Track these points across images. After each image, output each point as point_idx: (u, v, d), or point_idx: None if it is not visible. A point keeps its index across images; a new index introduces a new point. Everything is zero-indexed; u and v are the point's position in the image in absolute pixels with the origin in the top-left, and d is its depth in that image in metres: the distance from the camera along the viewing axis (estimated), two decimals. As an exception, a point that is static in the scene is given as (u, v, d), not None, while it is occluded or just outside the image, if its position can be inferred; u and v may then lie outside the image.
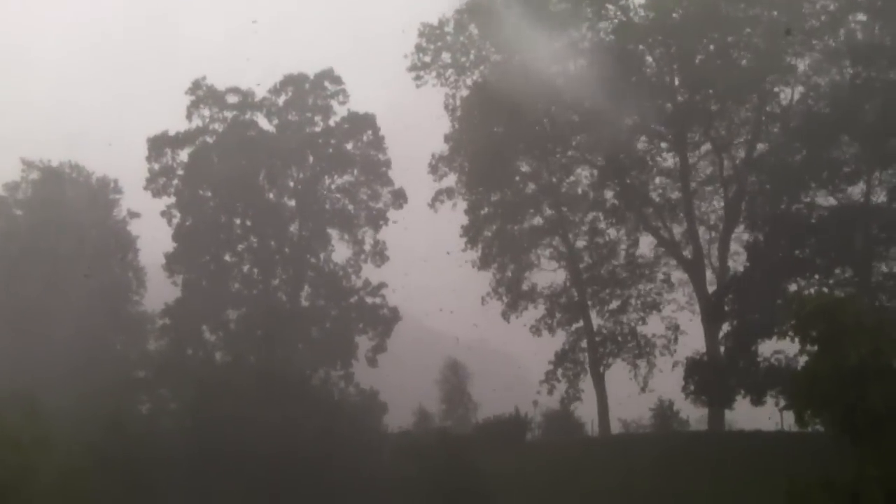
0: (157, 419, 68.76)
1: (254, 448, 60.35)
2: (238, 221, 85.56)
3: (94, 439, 55.73)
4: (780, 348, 64.10)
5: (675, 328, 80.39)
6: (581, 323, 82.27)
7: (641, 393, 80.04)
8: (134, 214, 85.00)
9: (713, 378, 67.66)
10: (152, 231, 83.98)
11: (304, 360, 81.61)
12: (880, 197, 66.51)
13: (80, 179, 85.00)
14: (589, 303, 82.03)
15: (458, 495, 57.66)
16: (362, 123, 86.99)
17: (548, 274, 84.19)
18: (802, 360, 49.44)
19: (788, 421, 61.94)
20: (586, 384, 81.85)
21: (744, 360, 66.35)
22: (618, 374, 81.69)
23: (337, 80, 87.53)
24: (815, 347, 46.73)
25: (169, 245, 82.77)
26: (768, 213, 67.93)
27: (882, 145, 65.03)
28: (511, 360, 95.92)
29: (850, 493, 42.22)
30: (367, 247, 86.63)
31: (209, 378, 71.76)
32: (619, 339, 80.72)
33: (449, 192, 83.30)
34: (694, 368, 69.22)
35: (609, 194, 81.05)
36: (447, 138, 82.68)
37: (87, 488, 50.63)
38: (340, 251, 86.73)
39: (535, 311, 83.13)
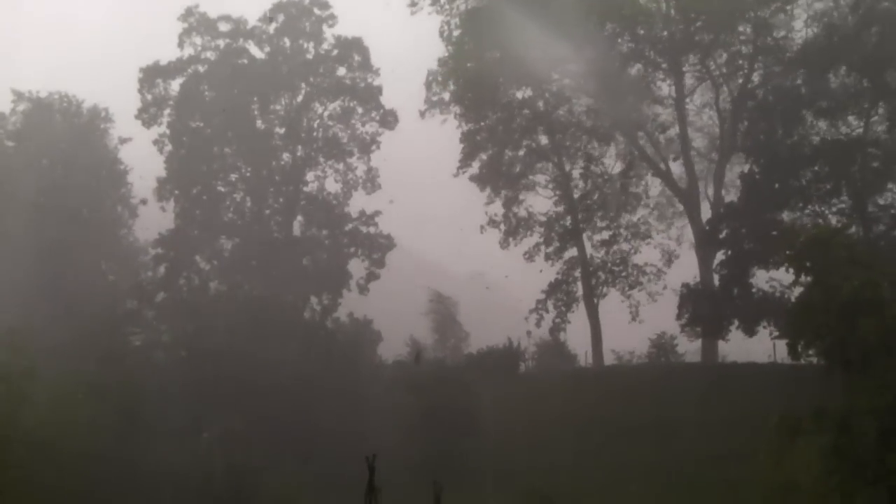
0: (150, 351, 68.82)
1: (248, 379, 60.52)
2: (230, 151, 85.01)
3: (88, 371, 55.75)
4: (775, 277, 64.21)
5: (669, 255, 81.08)
6: (575, 252, 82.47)
7: (632, 322, 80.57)
8: (125, 140, 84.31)
9: (707, 307, 67.72)
10: (144, 161, 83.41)
11: (297, 289, 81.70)
12: (878, 128, 66.08)
13: (70, 109, 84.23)
14: (582, 226, 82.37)
15: (453, 426, 57.91)
16: (350, 47, 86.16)
17: (544, 203, 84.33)
18: (796, 291, 49.65)
19: (781, 353, 62.04)
20: (580, 315, 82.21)
21: (738, 289, 66.35)
22: (612, 305, 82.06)
23: (324, 6, 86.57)
24: (809, 279, 46.76)
25: (159, 171, 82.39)
26: (764, 142, 67.46)
27: (881, 76, 64.42)
28: (507, 293, 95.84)
29: (841, 424, 42.41)
30: (359, 173, 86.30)
31: (203, 308, 71.81)
32: (612, 268, 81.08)
33: (441, 105, 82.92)
34: (688, 297, 69.23)
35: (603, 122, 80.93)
36: (441, 62, 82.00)
37: (81, 419, 50.78)
38: (333, 179, 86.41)
39: (531, 240, 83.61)
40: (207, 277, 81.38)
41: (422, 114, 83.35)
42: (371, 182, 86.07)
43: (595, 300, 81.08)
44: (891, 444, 42.02)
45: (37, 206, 74.75)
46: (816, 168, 64.90)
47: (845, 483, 41.51)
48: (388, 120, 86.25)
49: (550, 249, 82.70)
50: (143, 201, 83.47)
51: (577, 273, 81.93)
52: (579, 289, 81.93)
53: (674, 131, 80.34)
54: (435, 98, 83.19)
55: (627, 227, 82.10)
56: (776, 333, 63.79)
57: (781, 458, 42.95)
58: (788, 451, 42.94)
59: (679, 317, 70.18)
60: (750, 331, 66.03)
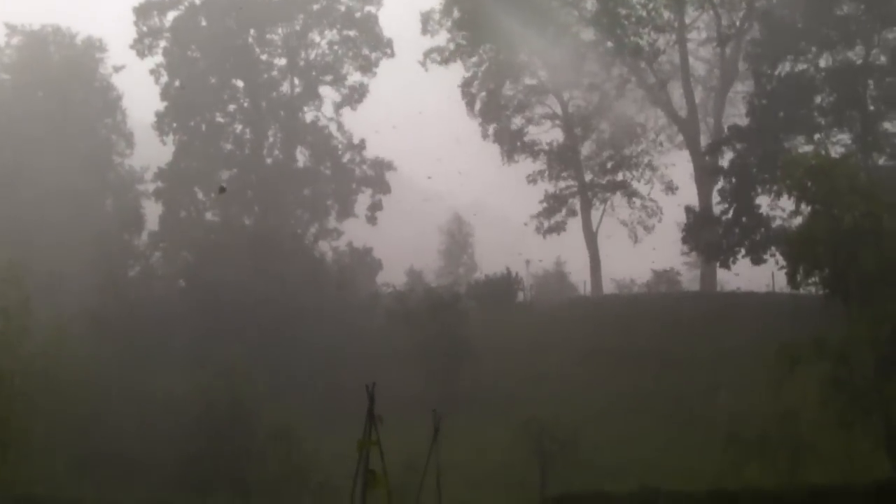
0: (149, 282, 68.83)
1: (247, 310, 60.61)
2: (228, 82, 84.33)
3: (87, 301, 55.75)
4: (782, 206, 64.07)
5: (669, 183, 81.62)
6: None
7: (633, 246, 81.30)
8: (119, 68, 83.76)
9: (714, 233, 67.62)
10: (140, 93, 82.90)
11: (298, 221, 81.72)
12: (880, 58, 65.52)
13: (64, 41, 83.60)
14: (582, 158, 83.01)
15: (451, 356, 58.08)
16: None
17: (545, 135, 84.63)
18: (797, 221, 49.55)
19: (780, 283, 62.11)
20: (579, 246, 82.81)
21: (746, 216, 66.13)
22: (611, 234, 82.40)
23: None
24: (809, 208, 46.63)
25: (158, 106, 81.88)
26: (767, 71, 66.88)
27: (884, 4, 63.74)
28: (508, 225, 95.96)
29: (839, 354, 42.55)
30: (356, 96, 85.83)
31: (202, 239, 71.78)
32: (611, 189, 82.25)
33: (440, 51, 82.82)
34: (695, 222, 69.03)
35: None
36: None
37: (81, 349, 50.85)
38: (331, 109, 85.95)
39: (532, 165, 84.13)
40: (206, 209, 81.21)
41: (422, 63, 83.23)
42: (360, 96, 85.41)
43: (594, 228, 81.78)
44: (889, 373, 42.20)
45: (33, 139, 74.47)
46: (821, 97, 64.50)
47: (843, 412, 41.73)
48: (386, 49, 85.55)
49: (553, 173, 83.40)
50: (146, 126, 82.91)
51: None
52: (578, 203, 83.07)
53: (673, 57, 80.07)
54: (431, 38, 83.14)
55: (631, 156, 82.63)
56: (783, 264, 63.84)
57: (780, 388, 43.15)
58: (787, 381, 43.13)
59: (685, 241, 70.20)
60: (758, 259, 65.88)
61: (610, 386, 54.73)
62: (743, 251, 66.01)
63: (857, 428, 42.29)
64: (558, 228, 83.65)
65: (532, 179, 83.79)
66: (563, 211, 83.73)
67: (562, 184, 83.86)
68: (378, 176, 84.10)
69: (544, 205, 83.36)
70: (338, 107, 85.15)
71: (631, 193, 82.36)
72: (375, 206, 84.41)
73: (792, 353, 42.50)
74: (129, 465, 48.02)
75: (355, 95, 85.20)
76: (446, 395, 52.04)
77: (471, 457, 47.92)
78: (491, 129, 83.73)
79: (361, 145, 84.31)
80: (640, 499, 35.01)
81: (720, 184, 68.47)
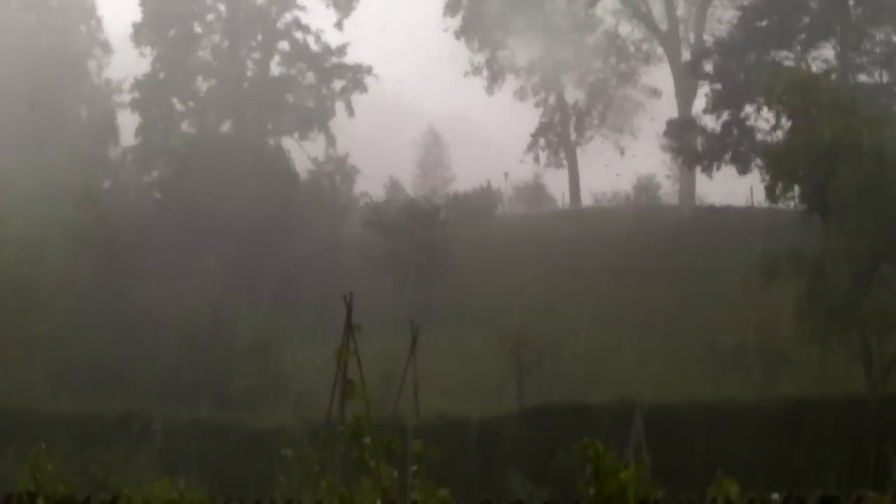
0: (125, 194, 68.19)
1: (224, 221, 60.22)
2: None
3: (62, 215, 55.23)
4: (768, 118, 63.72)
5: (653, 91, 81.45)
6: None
7: (617, 158, 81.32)
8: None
9: (699, 140, 67.46)
10: (117, 6, 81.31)
11: (275, 129, 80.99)
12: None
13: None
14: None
15: (428, 268, 58.06)
16: None
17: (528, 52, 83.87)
18: (778, 135, 49.43)
19: (759, 198, 62.14)
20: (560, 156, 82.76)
21: (731, 124, 65.89)
22: (593, 151, 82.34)
23: None
24: (790, 122, 46.52)
25: (136, 17, 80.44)
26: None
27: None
28: (489, 138, 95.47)
29: (817, 268, 42.79)
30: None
31: (179, 151, 71.08)
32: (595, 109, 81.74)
33: None
34: (679, 128, 68.82)
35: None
36: None
37: (57, 261, 50.60)
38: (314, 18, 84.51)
39: (516, 82, 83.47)
40: (182, 119, 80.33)
41: None
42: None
43: (573, 140, 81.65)
44: (865, 288, 42.48)
45: (7, 50, 73.20)
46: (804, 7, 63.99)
47: (820, 326, 42.05)
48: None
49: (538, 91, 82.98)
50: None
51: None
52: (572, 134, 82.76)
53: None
54: None
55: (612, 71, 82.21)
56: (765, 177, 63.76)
57: (758, 300, 43.42)
58: (765, 294, 43.38)
59: (669, 147, 70.11)
60: (744, 168, 65.74)
61: (587, 298, 54.80)
62: (728, 157, 65.76)
63: (833, 341, 42.67)
64: (557, 163, 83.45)
65: (519, 95, 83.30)
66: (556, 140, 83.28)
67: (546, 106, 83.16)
68: (357, 79, 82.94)
69: (541, 140, 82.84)
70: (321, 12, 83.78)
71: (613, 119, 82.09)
72: (351, 111, 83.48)
73: (770, 267, 42.71)
74: (107, 378, 48.06)
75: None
76: (424, 307, 52.07)
77: (449, 368, 48.13)
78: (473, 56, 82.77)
79: (342, 50, 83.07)
80: (618, 410, 35.26)
81: (706, 89, 68.24)
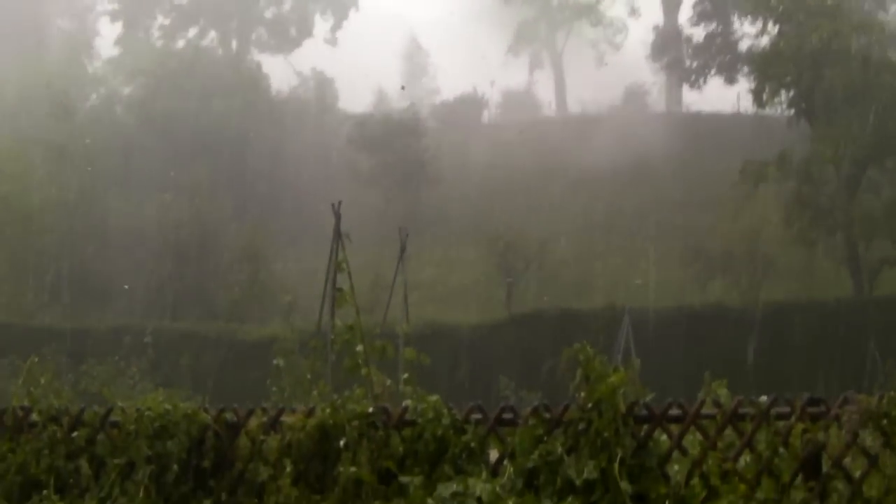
0: (107, 107, 67.46)
1: (208, 133, 59.79)
2: None
3: (44, 129, 54.68)
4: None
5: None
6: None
7: (599, 68, 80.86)
8: None
9: (686, 51, 67.05)
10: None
11: (258, 42, 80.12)
12: None
13: None
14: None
15: (411, 180, 57.95)
16: None
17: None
18: (765, 41, 49.16)
19: (745, 105, 61.85)
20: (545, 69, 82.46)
21: (719, 36, 65.42)
22: (579, 56, 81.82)
23: None
24: (777, 27, 46.26)
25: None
26: None
27: None
28: (475, 45, 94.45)
29: (803, 173, 42.85)
30: None
31: (160, 64, 70.23)
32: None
33: None
34: (666, 38, 68.37)
35: None
36: None
37: (40, 175, 50.30)
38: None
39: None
40: (162, 31, 79.33)
41: None
42: None
43: (558, 45, 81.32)
44: (851, 193, 42.58)
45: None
46: None
47: (807, 230, 42.23)
48: None
49: None
50: None
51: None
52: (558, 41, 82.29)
53: None
54: None
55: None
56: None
57: (745, 206, 43.53)
58: (752, 199, 43.47)
59: (655, 58, 69.72)
60: (731, 78, 65.40)
61: (575, 204, 54.91)
62: (713, 69, 65.48)
63: (819, 246, 42.89)
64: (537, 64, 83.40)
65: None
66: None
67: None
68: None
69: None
70: None
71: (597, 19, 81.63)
72: (336, 27, 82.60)
73: (756, 171, 42.74)
74: (97, 291, 48.13)
75: None
76: (412, 217, 52.01)
77: (437, 275, 48.39)
78: None
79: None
80: (607, 315, 35.50)
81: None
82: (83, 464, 9.51)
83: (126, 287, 48.03)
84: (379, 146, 59.62)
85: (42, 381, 10.51)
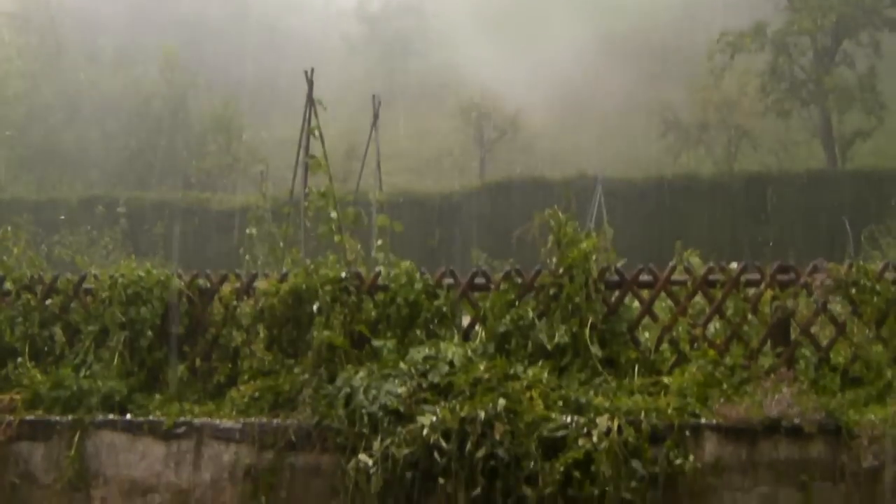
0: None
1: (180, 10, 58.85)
2: None
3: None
4: None
5: None
6: None
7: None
8: None
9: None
10: None
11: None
12: None
13: None
14: None
15: (386, 49, 57.38)
16: None
17: None
18: None
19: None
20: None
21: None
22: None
23: None
24: None
25: None
26: None
27: None
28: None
29: (779, 44, 42.61)
30: None
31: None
32: None
33: None
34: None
35: None
36: None
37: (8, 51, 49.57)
38: None
39: None
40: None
41: None
42: None
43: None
44: (827, 65, 42.45)
45: None
46: None
47: (781, 101, 42.15)
48: None
49: None
50: None
51: None
52: None
53: None
54: None
55: None
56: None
57: (720, 77, 43.31)
58: (728, 70, 43.24)
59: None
60: None
61: (552, 74, 54.42)
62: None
63: (794, 117, 42.85)
64: None
65: None
66: None
67: None
68: None
69: None
70: None
71: None
72: None
73: (733, 42, 42.42)
74: (68, 163, 47.68)
75: None
76: (386, 88, 51.63)
77: (411, 145, 48.15)
78: None
79: None
80: (580, 185, 35.45)
81: None
82: (57, 331, 9.54)
83: (97, 158, 47.63)
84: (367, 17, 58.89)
85: (15, 250, 10.47)
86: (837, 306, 8.63)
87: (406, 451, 7.57)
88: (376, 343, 8.68)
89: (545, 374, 8.15)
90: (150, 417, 8.60)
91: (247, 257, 15.14)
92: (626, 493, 7.30)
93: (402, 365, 8.24)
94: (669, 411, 7.78)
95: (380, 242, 12.47)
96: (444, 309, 8.94)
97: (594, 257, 8.76)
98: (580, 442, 7.45)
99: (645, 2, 63.42)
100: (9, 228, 10.80)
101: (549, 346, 8.46)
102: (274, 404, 8.53)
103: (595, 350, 8.42)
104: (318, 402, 8.18)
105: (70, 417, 8.66)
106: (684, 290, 8.88)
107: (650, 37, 57.15)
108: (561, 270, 8.74)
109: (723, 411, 7.76)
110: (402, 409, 7.82)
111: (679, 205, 35.03)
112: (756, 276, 8.79)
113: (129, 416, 8.68)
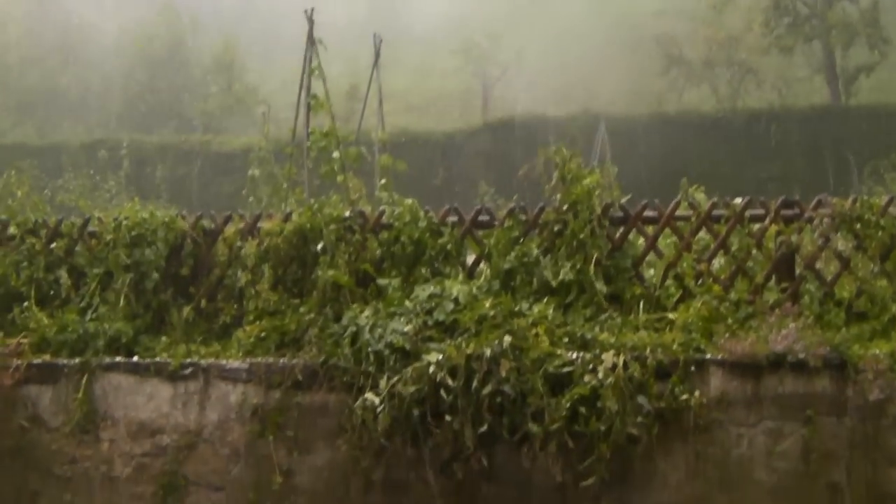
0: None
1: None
2: None
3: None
4: None
5: None
6: None
7: None
8: None
9: None
10: None
11: None
12: None
13: None
14: None
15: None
16: None
17: None
18: None
19: None
20: None
21: None
22: None
23: None
24: None
25: None
26: None
27: None
28: None
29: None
30: None
31: None
32: None
33: None
34: None
35: None
36: None
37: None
38: None
39: None
40: None
41: None
42: None
43: None
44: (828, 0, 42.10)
45: None
46: None
47: (784, 37, 41.84)
48: None
49: None
50: None
51: None
52: None
53: None
54: None
55: None
56: None
57: (723, 12, 42.98)
58: (730, 5, 42.91)
59: None
60: None
61: (552, 11, 53.95)
62: None
63: (797, 53, 42.56)
64: None
65: None
66: None
67: None
68: None
69: None
70: None
71: None
72: None
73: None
74: (69, 106, 47.47)
75: None
76: (388, 26, 51.13)
77: (413, 83, 47.82)
78: None
79: None
80: (583, 122, 35.34)
81: None
82: (63, 274, 9.54)
83: (98, 102, 47.41)
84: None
85: (19, 194, 10.46)
86: (841, 241, 8.62)
87: (412, 388, 7.61)
88: (381, 282, 8.69)
89: (550, 311, 8.17)
90: (157, 359, 8.65)
91: (250, 198, 15.13)
92: (631, 428, 7.36)
93: (407, 303, 8.26)
94: (675, 347, 7.82)
95: (383, 182, 12.46)
96: (449, 247, 8.94)
97: (598, 193, 8.75)
98: (586, 378, 7.49)
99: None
100: (12, 173, 10.79)
101: (553, 283, 8.47)
102: (280, 344, 8.57)
103: (600, 286, 8.44)
104: (324, 342, 8.22)
105: (77, 360, 8.71)
106: (689, 226, 8.87)
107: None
108: (565, 207, 8.74)
109: (728, 346, 7.78)
110: (407, 347, 7.86)
111: (683, 141, 34.87)
112: (760, 211, 8.78)
113: (135, 358, 8.73)
